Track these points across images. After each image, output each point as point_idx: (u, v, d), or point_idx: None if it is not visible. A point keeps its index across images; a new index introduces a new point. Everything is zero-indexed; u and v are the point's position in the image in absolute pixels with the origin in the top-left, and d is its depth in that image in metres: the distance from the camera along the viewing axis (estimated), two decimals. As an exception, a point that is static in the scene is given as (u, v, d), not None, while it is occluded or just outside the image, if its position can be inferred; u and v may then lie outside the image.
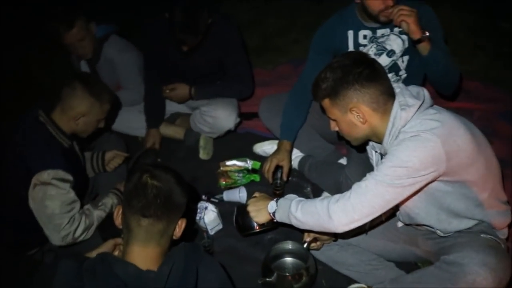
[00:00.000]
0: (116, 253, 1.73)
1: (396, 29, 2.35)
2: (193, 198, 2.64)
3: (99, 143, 2.95)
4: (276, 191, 2.63)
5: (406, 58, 2.43)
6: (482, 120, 3.10)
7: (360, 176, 2.31)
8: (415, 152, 1.61)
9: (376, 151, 1.95)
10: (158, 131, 3.22)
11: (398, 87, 1.79)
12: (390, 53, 2.41)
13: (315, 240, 2.13)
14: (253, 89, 3.29)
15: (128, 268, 1.45)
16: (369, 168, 2.39)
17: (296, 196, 1.93)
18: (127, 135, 3.27)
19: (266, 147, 3.04)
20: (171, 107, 3.31)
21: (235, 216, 2.11)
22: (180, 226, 1.60)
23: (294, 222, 1.84)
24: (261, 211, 1.97)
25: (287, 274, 2.14)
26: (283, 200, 1.91)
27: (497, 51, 3.83)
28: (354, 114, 1.75)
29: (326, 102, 1.81)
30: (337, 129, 1.88)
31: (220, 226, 2.58)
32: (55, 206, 2.17)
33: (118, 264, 1.46)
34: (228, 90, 3.10)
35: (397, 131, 1.70)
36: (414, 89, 1.80)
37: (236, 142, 3.25)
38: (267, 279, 2.11)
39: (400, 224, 2.08)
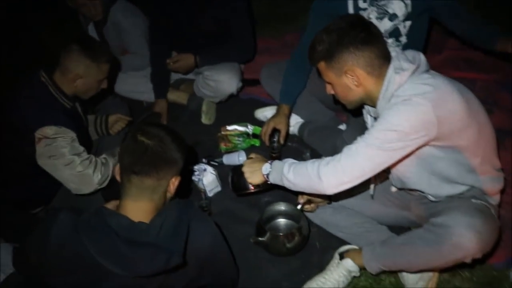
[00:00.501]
0: None
1: None
2: (192, 160, 2.69)
3: (103, 106, 3.01)
4: (273, 154, 2.66)
5: (408, 23, 2.40)
6: (484, 90, 3.10)
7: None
8: (406, 116, 1.61)
9: (370, 115, 1.96)
10: (166, 102, 3.25)
11: (394, 51, 1.78)
12: (393, 17, 2.39)
13: (309, 202, 2.18)
14: (255, 53, 3.35)
15: (121, 220, 1.51)
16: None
17: (292, 159, 1.94)
18: (131, 99, 3.32)
19: (268, 113, 3.05)
20: (176, 73, 3.33)
21: (230, 176, 2.15)
22: (174, 183, 1.63)
23: (286, 184, 1.86)
24: (255, 172, 1.98)
25: (280, 233, 2.19)
26: (277, 162, 1.91)
27: (505, 23, 3.77)
28: (349, 77, 1.76)
29: (322, 65, 1.81)
30: (332, 92, 1.89)
31: (219, 188, 2.63)
32: (64, 151, 2.22)
33: (111, 216, 1.52)
34: (230, 55, 3.13)
35: (390, 95, 1.70)
36: (410, 53, 1.79)
37: (239, 108, 3.28)
38: (260, 238, 2.17)
39: (393, 189, 2.11)
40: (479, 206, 1.79)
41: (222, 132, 2.97)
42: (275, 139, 2.67)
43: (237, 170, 2.09)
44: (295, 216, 2.29)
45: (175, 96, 3.34)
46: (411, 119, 1.61)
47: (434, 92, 1.63)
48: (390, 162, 1.71)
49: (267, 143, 2.66)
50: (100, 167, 2.31)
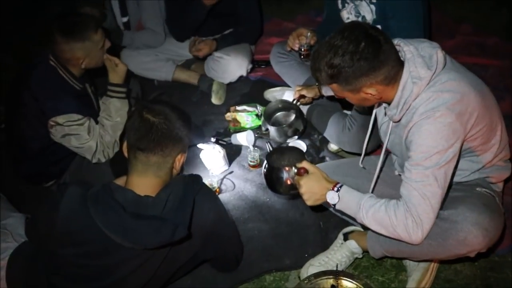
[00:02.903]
0: None
1: None
2: (200, 139, 2.73)
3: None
4: (303, 53, 2.66)
5: (378, 27, 2.38)
6: (496, 76, 3.09)
7: (360, 127, 2.35)
8: (438, 134, 1.58)
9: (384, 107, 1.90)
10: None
11: (409, 51, 1.66)
12: (363, 19, 2.42)
13: (302, 97, 2.52)
14: (262, 32, 3.44)
15: (127, 194, 1.55)
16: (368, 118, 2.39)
17: (365, 195, 1.75)
18: (143, 78, 3.34)
19: (277, 93, 3.07)
20: (187, 53, 3.33)
21: (265, 172, 2.06)
22: (180, 161, 1.67)
23: (360, 222, 1.76)
24: (316, 196, 1.79)
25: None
26: (346, 193, 1.76)
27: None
28: (368, 92, 1.66)
29: (334, 86, 1.69)
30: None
31: (226, 167, 2.66)
32: (75, 140, 2.31)
33: (118, 191, 1.57)
34: (241, 36, 3.20)
35: (407, 105, 1.65)
36: (426, 51, 1.67)
37: (248, 88, 3.30)
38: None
39: (397, 172, 2.11)
40: (485, 198, 1.79)
41: (231, 112, 2.99)
42: (304, 40, 2.65)
43: (276, 171, 1.97)
44: (292, 109, 2.75)
45: (186, 75, 3.36)
46: (443, 135, 1.58)
47: (454, 98, 1.59)
48: (448, 183, 1.66)
49: (296, 45, 2.64)
50: (106, 146, 2.41)
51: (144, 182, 1.59)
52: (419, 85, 1.62)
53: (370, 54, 1.56)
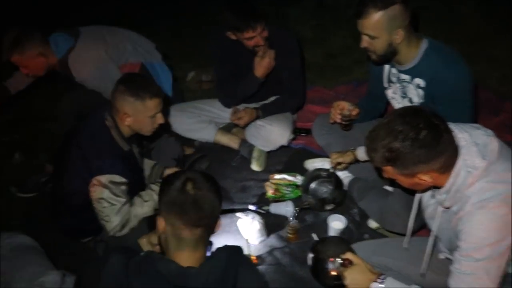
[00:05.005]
0: None
1: (415, 82, 2.34)
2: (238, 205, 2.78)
3: (157, 145, 3.09)
4: (344, 122, 2.65)
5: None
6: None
7: (403, 206, 2.30)
8: (490, 226, 1.56)
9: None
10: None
11: (464, 139, 1.64)
12: (411, 100, 2.43)
13: (339, 164, 2.60)
14: (304, 101, 3.47)
15: (170, 266, 1.53)
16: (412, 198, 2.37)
17: (395, 281, 1.77)
18: (184, 138, 3.36)
19: (317, 164, 3.07)
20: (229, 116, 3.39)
21: (312, 259, 2.17)
22: (218, 225, 1.67)
23: None
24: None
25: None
26: (391, 285, 1.76)
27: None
28: (422, 178, 1.65)
29: (388, 168, 1.67)
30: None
31: (265, 237, 2.64)
32: (105, 209, 2.34)
33: (161, 262, 1.55)
34: (285, 105, 3.23)
35: (460, 193, 1.63)
36: (481, 138, 1.65)
37: (289, 157, 3.32)
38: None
39: (442, 256, 2.06)
40: None
41: (271, 180, 2.99)
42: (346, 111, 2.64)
43: (321, 262, 2.10)
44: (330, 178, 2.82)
45: (227, 139, 3.37)
46: (496, 227, 1.56)
47: (509, 191, 1.57)
48: (497, 281, 1.63)
49: (337, 117, 2.63)
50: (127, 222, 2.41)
51: (194, 256, 1.58)
52: (474, 174, 1.59)
53: (430, 143, 1.55)
